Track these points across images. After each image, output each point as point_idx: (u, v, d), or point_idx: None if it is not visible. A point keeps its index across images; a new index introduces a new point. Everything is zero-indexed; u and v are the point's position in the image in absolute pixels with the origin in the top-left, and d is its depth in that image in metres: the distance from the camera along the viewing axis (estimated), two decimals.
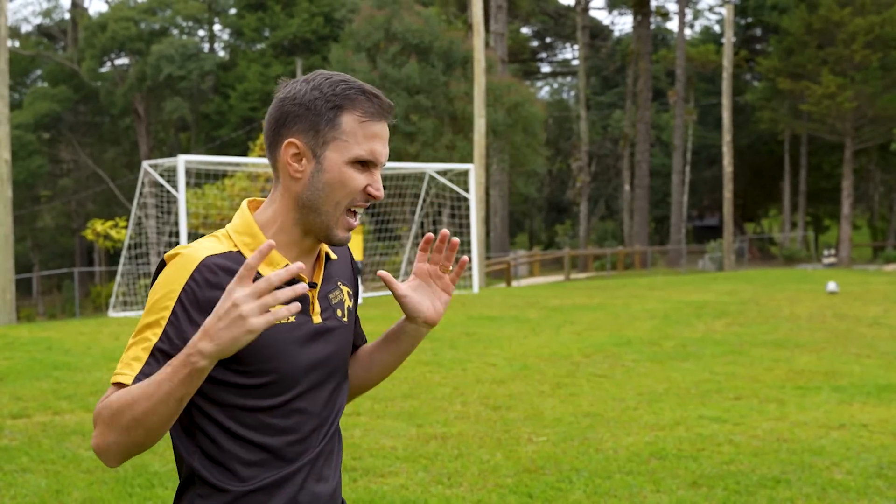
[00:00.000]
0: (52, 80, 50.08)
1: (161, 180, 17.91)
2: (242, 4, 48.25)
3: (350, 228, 1.96)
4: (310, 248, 1.99)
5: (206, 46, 52.11)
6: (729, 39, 34.39)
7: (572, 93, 67.95)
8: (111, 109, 48.58)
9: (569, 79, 69.19)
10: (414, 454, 6.46)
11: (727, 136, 34.31)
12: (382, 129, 1.94)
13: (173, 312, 1.81)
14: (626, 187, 51.05)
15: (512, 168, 38.56)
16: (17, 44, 55.49)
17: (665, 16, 58.27)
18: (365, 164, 1.92)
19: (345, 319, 2.07)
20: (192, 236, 19.53)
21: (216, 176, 28.66)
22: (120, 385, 1.78)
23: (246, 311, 1.65)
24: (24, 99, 50.34)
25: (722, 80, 36.20)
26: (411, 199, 26.52)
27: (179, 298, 1.81)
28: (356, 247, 14.23)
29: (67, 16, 55.41)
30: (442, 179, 23.11)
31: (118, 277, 19.48)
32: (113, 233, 31.82)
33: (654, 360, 10.60)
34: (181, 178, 16.38)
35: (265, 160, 27.04)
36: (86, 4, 58.94)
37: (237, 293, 1.66)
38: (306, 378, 1.96)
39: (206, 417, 1.91)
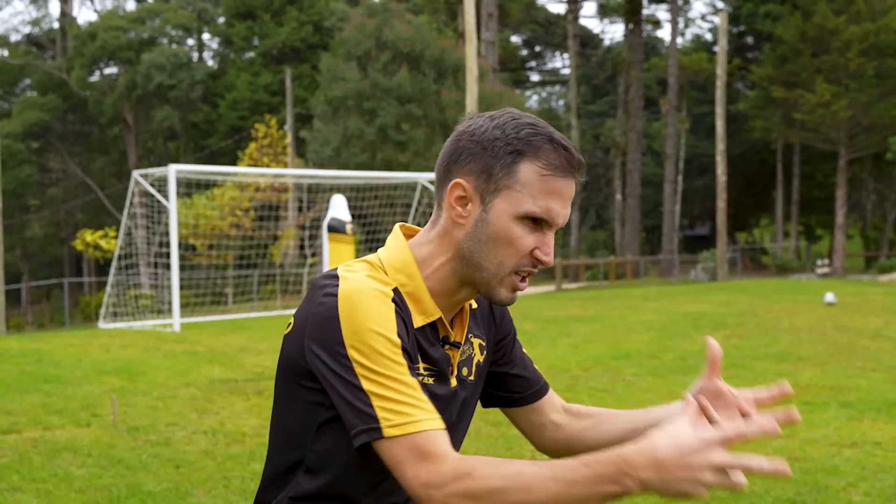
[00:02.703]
0: (41, 89, 49.84)
1: (152, 190, 17.71)
2: (231, 13, 48.11)
3: (517, 290, 1.72)
4: (463, 300, 1.78)
5: (196, 55, 51.93)
6: (722, 48, 34.32)
7: (561, 102, 67.94)
8: (100, 119, 48.36)
9: (558, 88, 69.18)
10: None
11: (721, 145, 34.21)
12: (566, 186, 1.68)
13: (403, 349, 1.60)
14: (618, 196, 50.95)
15: None
16: (5, 53, 55.28)
17: (657, 24, 58.31)
18: (537, 223, 1.68)
19: (471, 379, 1.85)
20: (181, 246, 19.35)
21: (205, 185, 28.49)
22: (428, 434, 1.54)
23: (709, 478, 1.45)
24: (13, 108, 50.11)
25: (714, 89, 36.14)
26: (402, 208, 26.35)
27: (398, 332, 1.61)
28: (348, 257, 13.99)
29: (56, 25, 55.21)
30: (433, 189, 22.93)
31: (108, 288, 19.27)
32: (102, 243, 31.65)
33: (654, 374, 10.42)
34: (172, 188, 16.18)
35: (256, 170, 26.99)
36: (75, 13, 58.64)
37: (719, 458, 1.45)
38: (449, 409, 1.77)
39: (320, 468, 1.72)
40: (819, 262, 40.62)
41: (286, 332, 1.73)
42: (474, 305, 1.87)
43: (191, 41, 51.98)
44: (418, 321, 1.70)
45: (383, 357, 1.58)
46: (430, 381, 1.72)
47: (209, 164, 41.88)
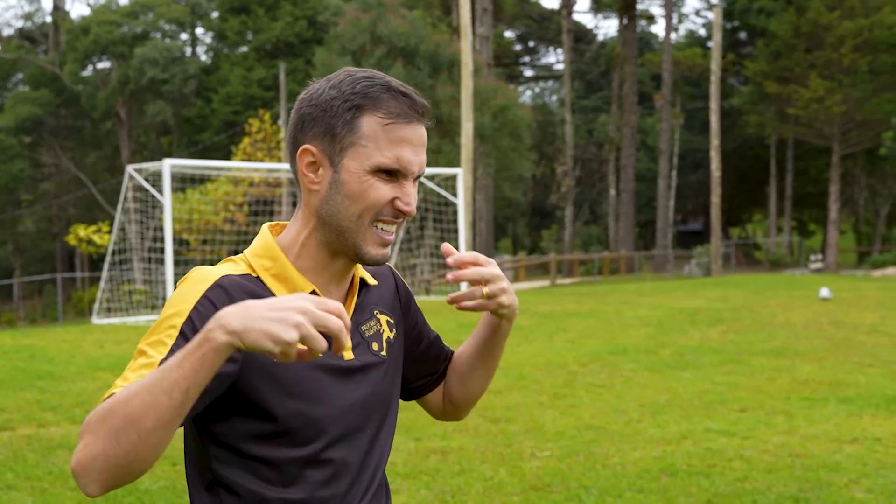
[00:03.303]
0: (33, 83, 49.61)
1: (146, 185, 17.63)
2: (225, 8, 47.92)
3: (384, 244, 1.68)
4: (341, 271, 1.73)
5: (189, 50, 51.76)
6: (717, 43, 34.30)
7: (555, 97, 67.92)
8: (93, 113, 48.15)
9: (551, 83, 69.17)
10: (414, 470, 6.25)
11: (715, 141, 34.21)
12: (413, 132, 1.64)
13: (181, 332, 1.54)
14: (612, 192, 50.97)
15: (498, 172, 38.39)
16: None
17: (651, 19, 58.31)
18: (391, 174, 1.64)
19: (383, 353, 1.80)
20: (174, 241, 19.26)
21: (199, 180, 28.42)
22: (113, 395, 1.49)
23: (298, 320, 1.36)
24: (6, 103, 49.84)
25: (708, 84, 36.13)
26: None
27: (190, 316, 1.55)
28: None
29: (49, 19, 54.95)
30: (429, 184, 22.91)
31: (102, 284, 19.20)
32: (95, 238, 31.56)
33: (652, 370, 10.41)
34: (166, 183, 16.11)
35: (250, 164, 26.93)
36: (68, 8, 58.52)
37: (307, 302, 1.38)
38: (337, 423, 1.69)
39: (226, 475, 1.65)
40: (812, 257, 40.68)
41: None
42: (373, 282, 1.84)
43: (184, 35, 51.79)
44: (282, 293, 1.66)
45: (155, 335, 1.55)
46: (318, 354, 1.67)
47: (202, 158, 41.76)
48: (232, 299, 1.58)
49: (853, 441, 6.91)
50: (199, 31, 52.71)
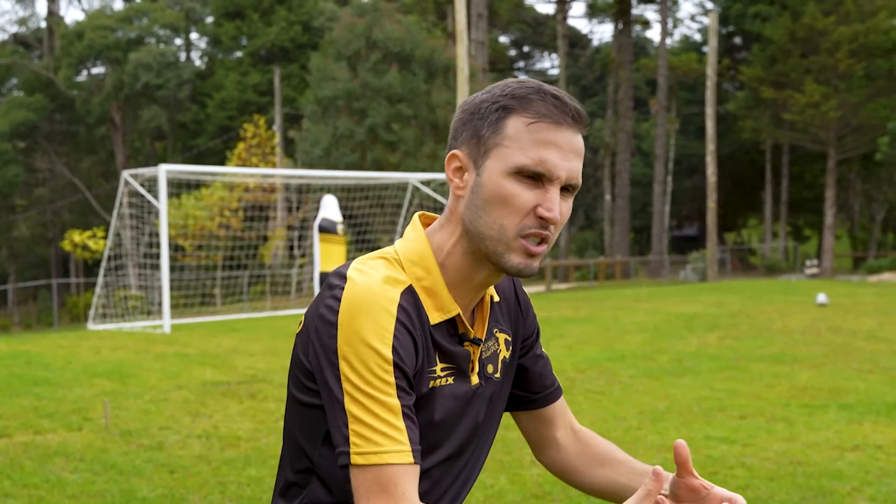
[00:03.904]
0: (28, 88, 49.55)
1: (142, 190, 17.58)
2: (220, 13, 47.91)
3: (530, 254, 1.58)
4: (484, 283, 1.66)
5: (184, 55, 51.71)
6: (713, 48, 34.33)
7: None
8: (87, 118, 48.11)
9: None
10: None
11: (711, 146, 34.22)
12: (561, 136, 1.56)
13: (396, 367, 1.51)
14: (607, 197, 50.95)
15: None
16: None
17: (646, 24, 58.33)
18: (535, 179, 1.56)
19: (497, 376, 1.75)
20: (172, 247, 19.21)
21: (194, 186, 28.36)
22: (393, 467, 1.48)
23: None
24: (0, 108, 49.74)
25: (704, 89, 36.15)
26: (392, 209, 26.26)
27: (394, 347, 1.52)
28: (338, 257, 13.84)
29: (44, 24, 54.89)
30: (426, 189, 22.87)
31: (97, 289, 19.13)
32: (91, 243, 31.47)
33: (650, 376, 10.36)
34: (162, 188, 16.06)
35: (245, 170, 26.84)
36: (62, 13, 58.41)
37: None
38: (448, 446, 1.66)
39: (326, 468, 1.63)
40: (808, 262, 40.67)
41: (297, 330, 1.67)
42: (496, 298, 1.77)
43: (179, 41, 51.80)
44: (435, 318, 1.61)
45: (370, 373, 1.51)
46: (450, 380, 1.64)
47: (197, 164, 41.73)
48: (412, 320, 1.56)
49: (855, 448, 6.87)
50: (194, 36, 52.70)
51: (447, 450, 1.66)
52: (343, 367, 1.51)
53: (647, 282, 38.41)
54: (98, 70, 49.43)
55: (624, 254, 45.53)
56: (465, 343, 1.66)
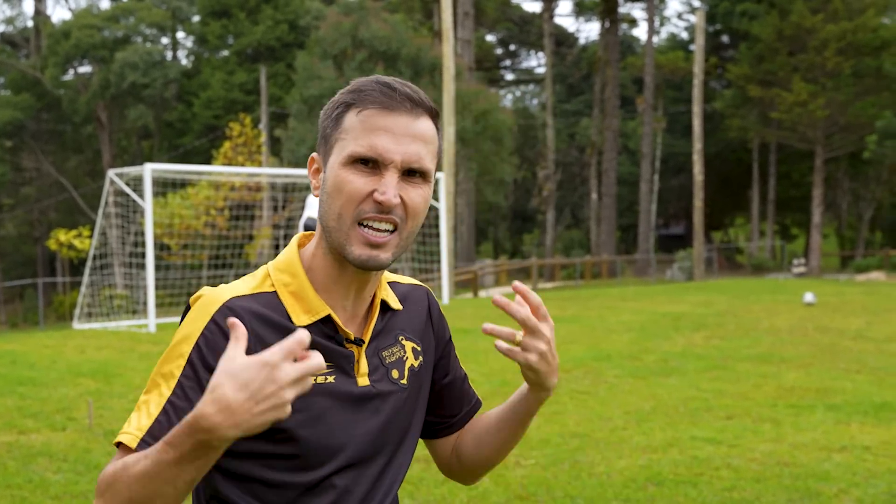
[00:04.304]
0: (14, 87, 49.33)
1: (127, 189, 17.48)
2: (206, 12, 47.76)
3: (370, 244, 1.57)
4: (354, 283, 1.65)
5: (170, 54, 51.54)
6: (700, 46, 34.36)
7: (536, 101, 67.95)
8: (74, 117, 47.92)
9: (531, 86, 69.19)
10: None
11: (698, 145, 34.25)
12: (393, 121, 1.57)
13: (189, 361, 1.53)
14: (593, 196, 51.00)
15: (479, 176, 38.35)
16: None
17: (633, 22, 58.41)
18: (369, 164, 1.57)
19: (403, 381, 1.73)
20: (155, 246, 19.13)
21: (180, 185, 28.24)
22: (124, 448, 1.49)
23: (290, 395, 1.31)
24: None
25: (691, 88, 36.18)
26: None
27: (197, 345, 1.53)
28: None
29: (30, 23, 54.63)
30: None
31: (83, 288, 19.02)
32: (76, 242, 31.33)
33: (636, 376, 10.34)
34: (147, 187, 15.97)
35: (231, 169, 26.68)
36: (49, 12, 58.15)
37: (284, 372, 1.30)
38: (345, 452, 1.64)
39: (227, 493, 1.61)
40: (795, 261, 40.78)
41: None
42: (396, 306, 1.76)
43: (165, 40, 51.60)
44: (302, 319, 1.61)
45: (167, 363, 1.55)
46: (330, 379, 1.62)
47: (183, 163, 41.56)
48: (242, 322, 1.51)
49: (842, 449, 6.86)
50: (180, 35, 52.51)
51: (349, 455, 1.64)
52: (163, 355, 1.57)
53: (633, 281, 38.45)
54: (85, 69, 49.24)
55: (610, 253, 45.57)
56: (348, 344, 1.65)
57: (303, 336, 1.32)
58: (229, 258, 29.25)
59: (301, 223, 13.77)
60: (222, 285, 1.63)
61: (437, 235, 23.04)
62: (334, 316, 1.63)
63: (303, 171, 22.96)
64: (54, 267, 48.08)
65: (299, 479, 1.61)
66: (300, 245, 1.71)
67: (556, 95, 56.65)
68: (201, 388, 1.49)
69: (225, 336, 1.51)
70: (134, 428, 1.49)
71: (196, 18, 50.31)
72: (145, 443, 1.47)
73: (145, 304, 18.04)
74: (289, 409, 1.32)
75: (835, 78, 40.49)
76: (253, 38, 45.31)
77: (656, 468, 6.35)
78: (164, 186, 24.32)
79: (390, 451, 1.71)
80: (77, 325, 18.22)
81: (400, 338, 1.75)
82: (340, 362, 1.64)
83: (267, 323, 1.59)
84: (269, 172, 23.01)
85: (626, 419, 8.04)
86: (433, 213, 23.59)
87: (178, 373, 1.52)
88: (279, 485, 1.60)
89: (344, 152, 1.57)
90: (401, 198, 1.57)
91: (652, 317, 16.82)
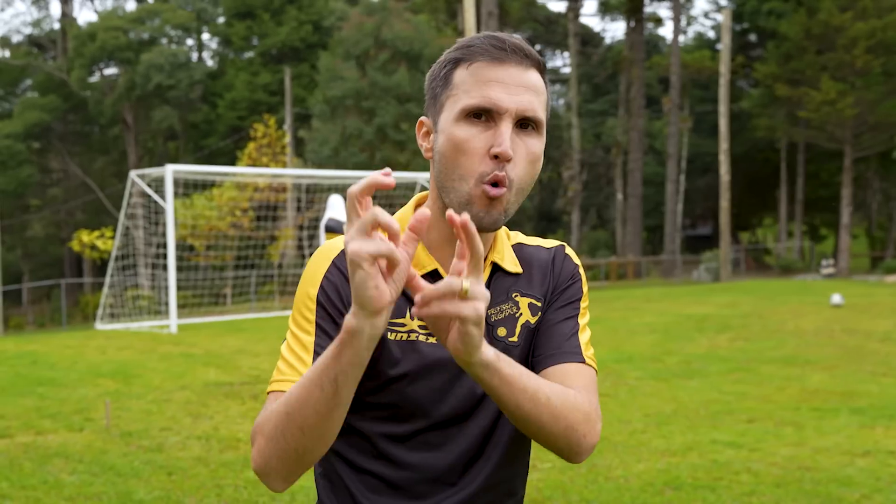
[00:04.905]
0: (41, 89, 49.70)
1: (148, 190, 17.54)
2: (231, 13, 47.92)
3: (489, 201, 1.54)
4: None
5: (195, 55, 51.78)
6: (726, 45, 34.09)
7: (561, 100, 67.74)
8: (100, 119, 48.23)
9: (558, 86, 68.98)
10: None
11: (724, 145, 33.98)
12: (504, 72, 1.55)
13: (318, 303, 1.59)
14: (619, 196, 50.74)
15: None
16: (7, 54, 55.13)
17: (658, 22, 58.05)
18: (483, 118, 1.55)
19: (512, 339, 1.68)
20: (180, 247, 19.19)
21: (204, 185, 28.35)
22: (278, 394, 1.55)
23: (364, 272, 1.25)
24: (14, 109, 49.94)
25: (717, 87, 35.91)
26: (400, 208, 26.12)
27: (321, 287, 1.60)
28: None
29: (57, 26, 55.01)
30: None
31: (105, 289, 19.11)
32: (99, 243, 31.49)
33: (658, 378, 10.22)
34: (169, 188, 16.02)
35: (253, 170, 26.73)
36: (75, 14, 58.55)
37: (354, 246, 1.25)
38: (439, 409, 1.63)
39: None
40: (824, 262, 40.34)
41: None
42: (515, 269, 1.71)
43: (190, 41, 51.81)
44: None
45: (298, 313, 1.61)
46: (431, 339, 1.61)
47: (208, 163, 41.77)
48: (340, 269, 1.61)
49: (865, 454, 6.71)
50: (205, 36, 52.73)
51: (444, 412, 1.63)
52: (290, 320, 1.64)
53: (659, 282, 38.21)
54: (110, 71, 49.50)
55: (636, 253, 45.31)
56: None
57: (378, 215, 1.24)
58: (253, 258, 29.34)
59: (322, 224, 13.74)
60: (340, 236, 1.63)
61: None
62: (441, 271, 1.64)
63: (325, 172, 22.94)
64: (81, 268, 48.43)
65: (391, 430, 1.63)
66: (418, 203, 1.73)
67: (582, 95, 56.44)
68: (335, 323, 1.57)
69: (345, 276, 1.57)
70: (291, 374, 1.55)
71: (221, 20, 50.51)
72: None
73: (167, 304, 18.11)
74: (374, 291, 1.26)
75: (864, 76, 40.02)
76: (277, 39, 45.41)
77: (675, 472, 6.25)
78: (190, 187, 24.41)
79: (495, 409, 1.65)
80: (99, 325, 18.31)
81: (514, 294, 1.70)
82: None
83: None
84: (293, 173, 22.99)
85: (646, 422, 7.92)
86: None
87: (312, 317, 1.58)
88: (371, 434, 1.64)
89: (456, 107, 1.56)
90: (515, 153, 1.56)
91: (676, 318, 16.67)
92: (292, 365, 1.57)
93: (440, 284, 1.30)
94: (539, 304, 1.72)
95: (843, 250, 42.37)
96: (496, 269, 1.69)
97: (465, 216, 1.28)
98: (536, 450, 6.87)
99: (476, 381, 1.48)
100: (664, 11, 58.02)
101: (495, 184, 1.54)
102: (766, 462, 6.49)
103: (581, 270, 1.79)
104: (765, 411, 8.33)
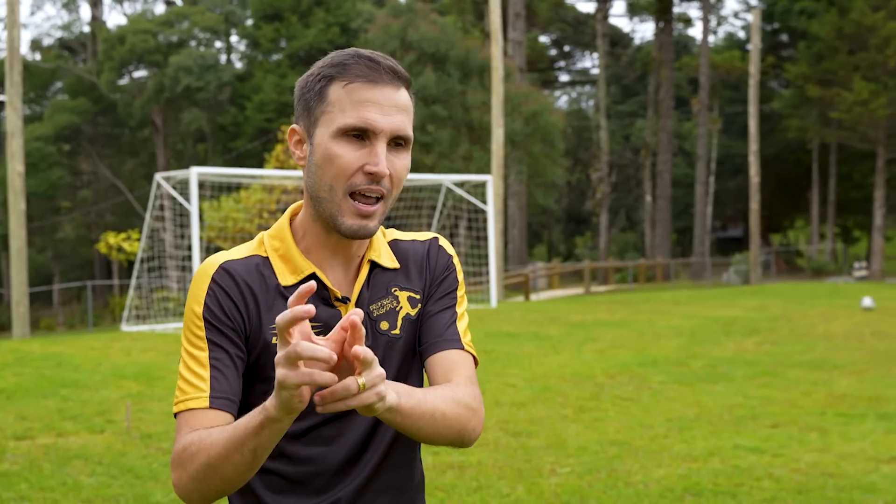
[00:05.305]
0: (72, 92, 50.11)
1: (174, 193, 17.60)
2: (259, 16, 48.08)
3: (362, 214, 1.68)
4: (339, 247, 1.77)
5: (224, 58, 52.01)
6: (756, 45, 33.82)
7: (591, 102, 67.48)
8: (129, 121, 48.55)
9: (587, 87, 68.73)
10: (430, 486, 6.02)
11: (754, 146, 33.71)
12: (379, 93, 1.66)
13: (205, 320, 1.70)
14: (648, 198, 50.48)
15: (530, 179, 38.12)
16: (38, 57, 55.59)
17: (688, 22, 57.73)
18: (360, 137, 1.67)
19: (395, 332, 1.81)
20: (208, 249, 19.25)
21: (233, 188, 28.43)
22: (188, 415, 1.67)
23: (293, 379, 1.39)
24: (45, 111, 50.38)
25: (747, 88, 35.63)
26: (428, 210, 26.12)
27: (205, 304, 1.71)
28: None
29: (87, 29, 55.48)
30: (459, 191, 22.69)
31: (131, 291, 19.20)
32: (126, 245, 31.66)
33: (682, 382, 10.10)
34: (193, 191, 16.07)
35: (279, 172, 26.77)
36: (105, 17, 59.04)
37: (277, 361, 1.42)
38: None
39: None
40: (856, 264, 39.92)
41: None
42: (392, 265, 1.83)
43: (218, 43, 52.00)
44: (288, 280, 1.75)
45: (189, 331, 1.72)
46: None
47: (236, 166, 41.89)
48: (236, 281, 1.72)
49: (891, 460, 6.57)
50: (234, 38, 52.92)
51: None
52: (182, 330, 1.74)
53: (687, 284, 37.94)
54: (140, 73, 49.82)
55: (665, 256, 45.04)
56: (336, 303, 1.76)
57: (280, 322, 1.38)
58: None
59: None
60: (221, 251, 1.79)
61: (486, 238, 22.90)
62: (320, 274, 1.75)
63: None
64: (111, 269, 48.79)
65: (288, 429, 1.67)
66: (293, 213, 1.83)
67: (611, 96, 56.21)
68: (224, 335, 1.70)
69: (223, 290, 1.71)
70: (193, 392, 1.66)
71: (249, 22, 50.70)
72: (216, 399, 1.66)
73: None
74: (297, 396, 1.42)
75: None
76: (305, 41, 45.50)
77: (695, 478, 6.15)
78: (218, 190, 24.48)
79: None
80: (125, 327, 18.39)
81: (393, 289, 1.82)
82: (328, 320, 1.72)
83: (256, 280, 1.74)
84: None
85: (668, 427, 7.82)
86: (483, 215, 23.45)
87: (202, 333, 1.69)
88: None
89: (333, 125, 1.66)
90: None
91: (703, 321, 16.50)
92: (192, 383, 1.67)
93: (338, 387, 1.40)
94: (418, 297, 1.84)
95: (875, 252, 41.93)
96: (374, 266, 1.81)
97: (355, 317, 1.40)
98: (556, 454, 6.79)
99: (382, 420, 1.60)
100: (694, 12, 57.73)
101: (375, 199, 1.68)
102: (788, 468, 6.38)
103: (455, 260, 1.90)
104: (790, 416, 8.20)
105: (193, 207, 16.13)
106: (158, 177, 17.91)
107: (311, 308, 1.35)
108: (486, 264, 22.63)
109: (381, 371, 1.44)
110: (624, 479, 6.16)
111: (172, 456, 1.64)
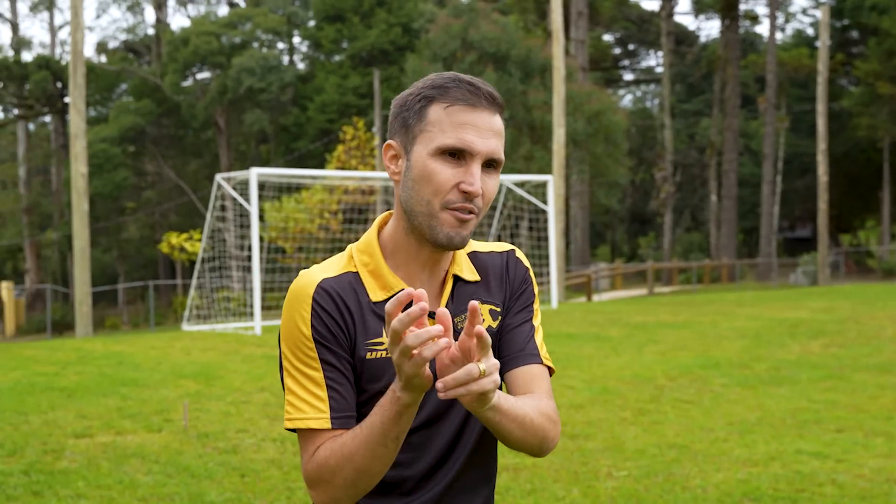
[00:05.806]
0: (136, 94, 50.87)
1: (234, 193, 17.74)
2: (321, 17, 48.35)
3: (459, 221, 1.77)
4: (430, 260, 1.86)
5: (286, 59, 52.41)
6: (824, 42, 33.15)
7: (656, 101, 66.78)
8: (193, 122, 49.13)
9: (652, 86, 68.05)
10: None
11: (822, 145, 33.05)
12: (477, 116, 1.77)
13: (315, 341, 1.79)
14: (713, 198, 49.79)
15: (593, 178, 37.81)
16: (104, 59, 56.57)
17: (755, 19, 56.86)
18: (457, 157, 1.76)
19: None
20: (269, 249, 19.37)
21: (295, 188, 28.65)
22: (311, 434, 1.78)
23: (396, 360, 1.57)
24: (110, 113, 51.22)
25: (815, 86, 34.95)
26: (488, 210, 25.99)
27: (312, 325, 1.79)
28: None
29: (151, 31, 56.31)
30: (519, 191, 22.57)
31: (192, 291, 19.39)
32: (187, 245, 32.09)
33: (744, 385, 9.88)
34: (253, 192, 16.18)
35: (340, 172, 26.89)
36: (169, 20, 59.86)
37: (395, 359, 1.58)
38: (419, 413, 1.83)
39: None
40: None
41: None
42: (472, 277, 1.92)
43: (281, 45, 52.43)
44: (378, 295, 1.83)
45: (300, 351, 1.80)
46: None
47: (298, 166, 42.21)
48: (334, 300, 1.80)
49: None
50: (296, 39, 53.30)
51: (422, 416, 1.84)
52: (283, 349, 1.83)
53: (753, 285, 37.31)
54: (203, 75, 50.37)
55: (731, 256, 44.39)
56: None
57: (389, 311, 1.54)
58: None
59: None
60: (314, 267, 1.86)
61: (547, 238, 22.73)
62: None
63: None
64: (174, 269, 49.48)
65: None
66: (381, 225, 1.91)
67: (676, 95, 55.58)
68: (335, 353, 1.79)
69: (325, 310, 1.78)
70: (313, 413, 1.77)
71: (311, 23, 51.01)
72: (336, 419, 1.77)
73: (251, 306, 18.27)
74: (409, 368, 1.56)
75: None
76: (367, 41, 45.65)
77: (755, 483, 5.99)
78: (281, 190, 24.64)
79: (464, 409, 1.86)
80: (186, 326, 18.57)
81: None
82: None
83: (351, 298, 1.82)
84: (378, 176, 23.02)
85: (729, 430, 7.64)
86: (544, 215, 23.29)
87: (314, 354, 1.78)
88: None
89: (433, 144, 1.76)
90: None
91: (768, 323, 16.16)
92: (310, 403, 1.78)
93: (460, 373, 1.52)
94: (498, 310, 1.93)
95: None
96: (457, 280, 1.90)
97: (475, 302, 1.53)
98: (614, 457, 6.67)
99: (482, 421, 1.70)
100: (760, 9, 56.96)
101: (467, 213, 1.77)
102: (852, 474, 6.18)
103: (531, 273, 2.00)
104: (855, 421, 7.96)
105: (253, 208, 16.24)
106: (219, 177, 18.06)
107: (425, 306, 1.49)
108: (548, 265, 22.46)
109: (496, 361, 1.57)
110: (682, 484, 6.03)
111: (309, 476, 1.77)
